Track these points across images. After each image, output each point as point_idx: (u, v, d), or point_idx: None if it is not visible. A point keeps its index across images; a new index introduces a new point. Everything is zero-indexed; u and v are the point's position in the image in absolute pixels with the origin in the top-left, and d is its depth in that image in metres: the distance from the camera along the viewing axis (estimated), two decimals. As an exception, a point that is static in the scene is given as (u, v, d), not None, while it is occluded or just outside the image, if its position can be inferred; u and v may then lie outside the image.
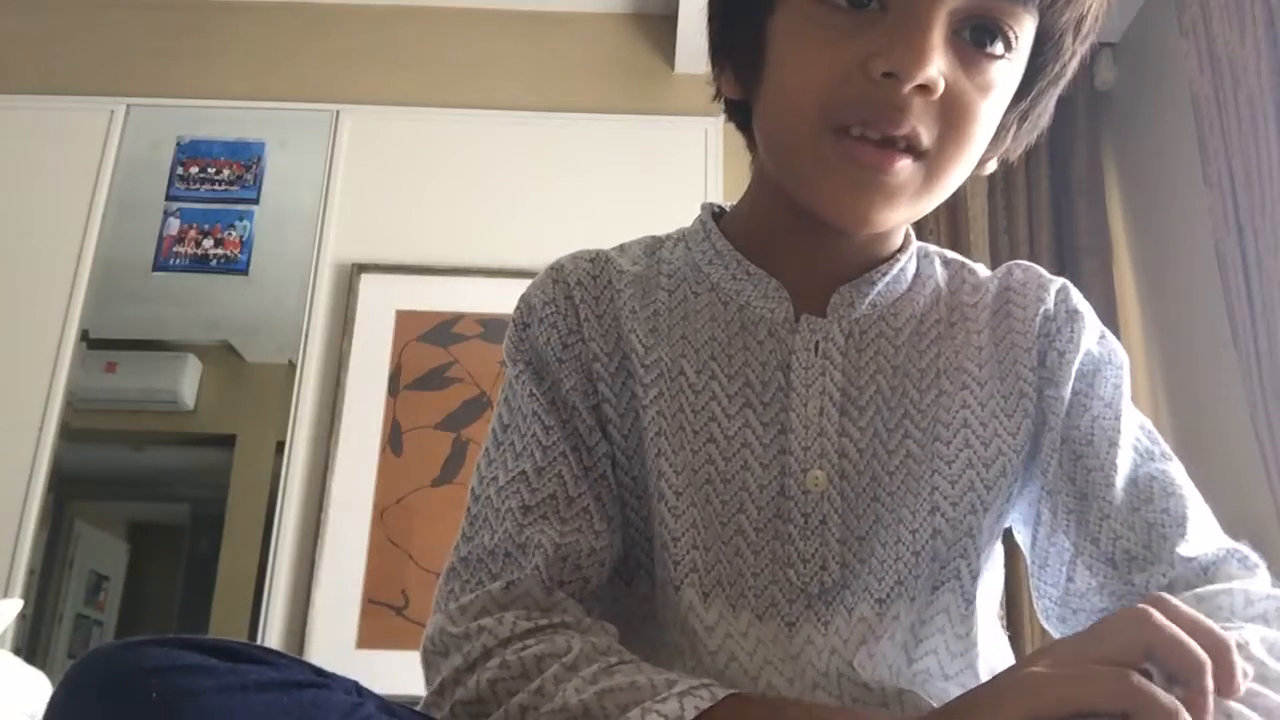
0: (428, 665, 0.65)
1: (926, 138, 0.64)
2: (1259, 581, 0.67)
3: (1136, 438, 0.74)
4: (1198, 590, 0.64)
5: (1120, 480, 0.71)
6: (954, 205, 2.61)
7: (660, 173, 2.61)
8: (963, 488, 0.71)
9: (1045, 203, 2.62)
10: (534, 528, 0.68)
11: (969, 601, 0.71)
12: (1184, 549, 0.68)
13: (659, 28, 2.83)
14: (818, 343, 0.73)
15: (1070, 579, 0.71)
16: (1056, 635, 0.73)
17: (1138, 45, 2.63)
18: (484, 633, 0.63)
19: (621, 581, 0.74)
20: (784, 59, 0.67)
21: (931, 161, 0.66)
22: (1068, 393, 0.73)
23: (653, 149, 2.66)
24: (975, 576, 0.72)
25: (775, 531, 0.70)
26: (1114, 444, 0.72)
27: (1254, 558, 0.69)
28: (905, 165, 0.65)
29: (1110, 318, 2.53)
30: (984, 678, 0.71)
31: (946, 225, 2.61)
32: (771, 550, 0.70)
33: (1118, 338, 2.73)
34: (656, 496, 0.71)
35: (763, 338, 0.74)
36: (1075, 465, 0.72)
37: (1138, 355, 2.54)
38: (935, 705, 0.69)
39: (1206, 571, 0.67)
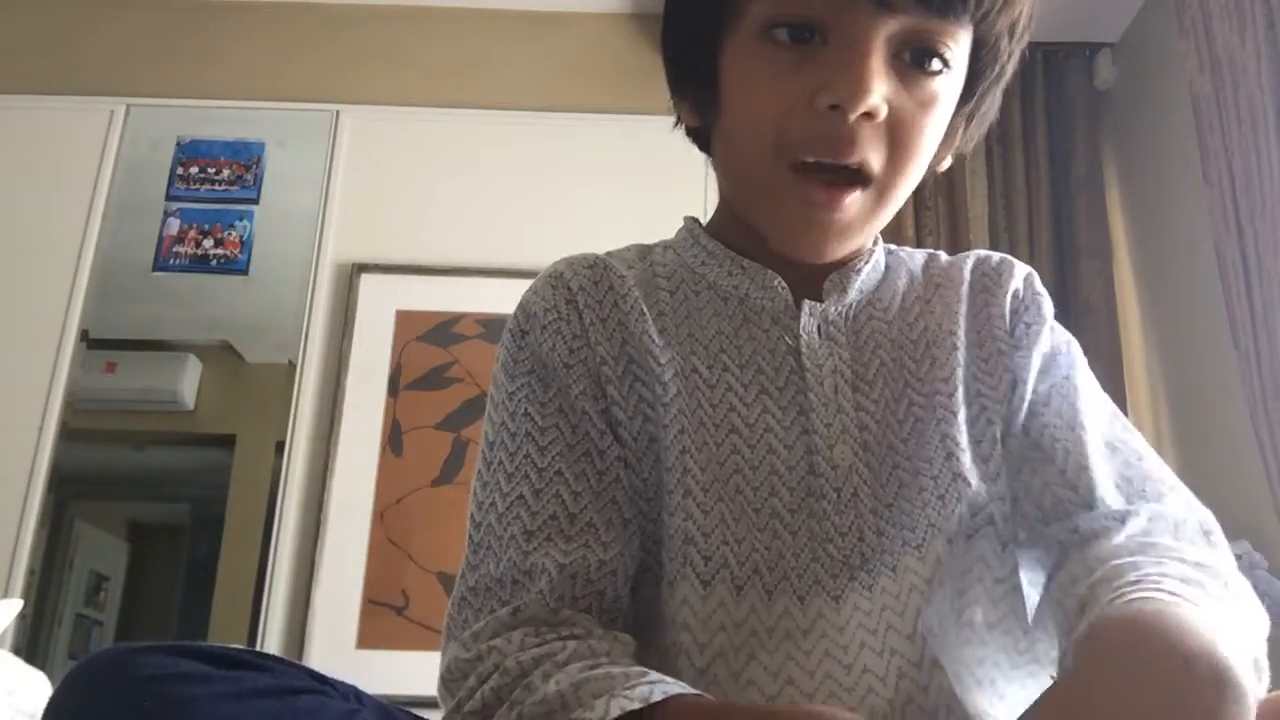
0: (448, 691, 0.67)
1: (876, 163, 0.69)
2: (1202, 550, 0.67)
3: (1099, 411, 0.78)
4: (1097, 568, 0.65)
5: (1071, 441, 0.74)
6: (954, 205, 2.61)
7: (660, 173, 2.61)
8: (968, 437, 0.74)
9: (1045, 203, 2.62)
10: (538, 552, 0.68)
11: (1004, 544, 0.74)
12: (1113, 501, 0.71)
13: (659, 28, 2.83)
14: (820, 325, 0.76)
15: (1026, 525, 0.75)
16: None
17: (1138, 45, 2.63)
18: (494, 652, 0.64)
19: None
20: (736, 96, 0.72)
21: (880, 185, 0.70)
22: (1035, 361, 0.78)
23: (653, 149, 2.64)
24: (1007, 519, 0.74)
25: (810, 510, 0.71)
26: (1074, 409, 0.76)
27: (1216, 533, 0.70)
28: (855, 199, 0.70)
29: (1110, 318, 2.53)
30: (1029, 625, 0.73)
31: (946, 225, 2.61)
32: (809, 529, 0.71)
33: (1118, 338, 2.70)
34: (681, 493, 0.71)
35: (767, 326, 0.77)
36: (1032, 422, 0.76)
37: (1138, 355, 2.54)
38: (968, 677, 0.70)
39: (1124, 520, 0.69)
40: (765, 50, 0.69)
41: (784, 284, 0.77)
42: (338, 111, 2.71)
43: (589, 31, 2.84)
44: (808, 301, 0.76)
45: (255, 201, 2.65)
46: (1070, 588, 0.65)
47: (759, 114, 0.69)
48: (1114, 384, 2.46)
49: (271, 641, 2.25)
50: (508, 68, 2.79)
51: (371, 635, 2.26)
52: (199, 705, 0.51)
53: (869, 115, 0.66)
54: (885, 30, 0.66)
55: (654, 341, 0.75)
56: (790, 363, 0.75)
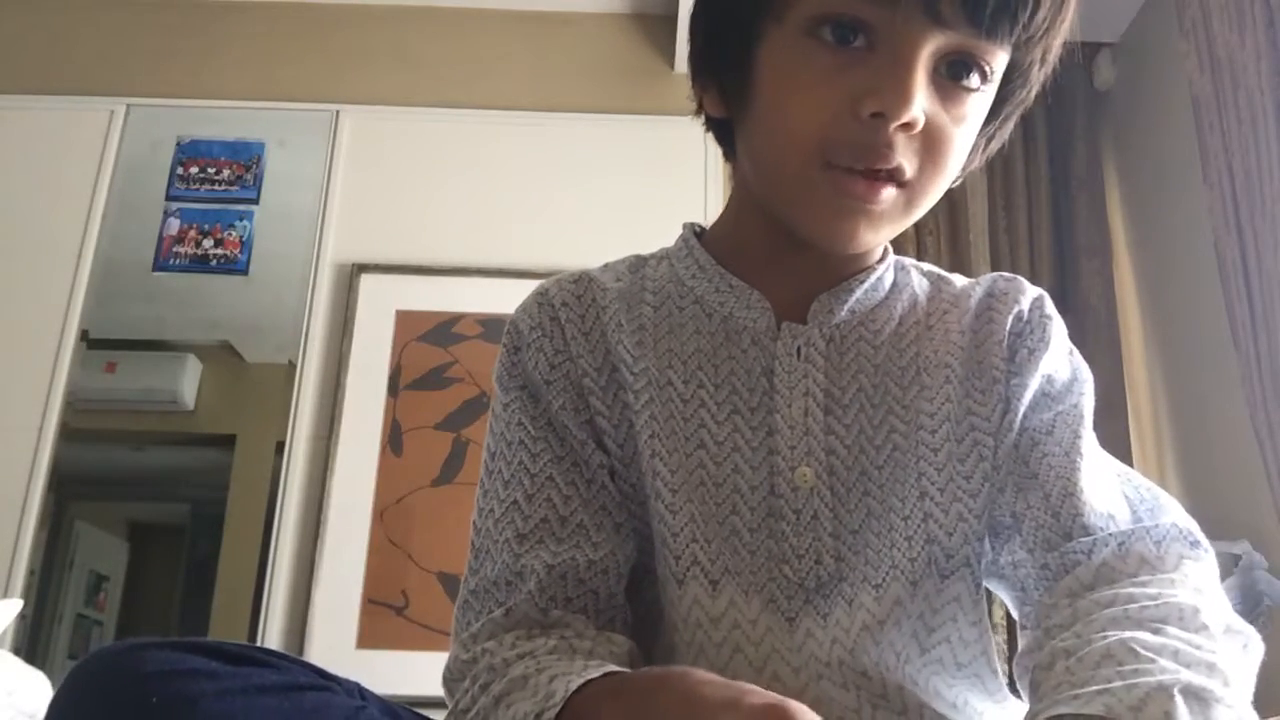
0: (448, 692, 0.69)
1: (909, 170, 0.68)
2: (1190, 570, 0.67)
3: (1098, 448, 0.76)
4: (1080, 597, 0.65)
5: (1074, 471, 0.72)
6: (954, 205, 2.61)
7: (660, 173, 2.61)
8: (948, 475, 0.74)
9: (1045, 202, 2.62)
10: (530, 554, 0.71)
11: (979, 587, 0.74)
12: (1093, 520, 0.70)
13: (659, 28, 2.83)
14: (799, 348, 0.76)
15: (1002, 549, 0.73)
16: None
17: (1138, 45, 2.63)
18: (487, 654, 0.66)
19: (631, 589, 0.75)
20: (775, 94, 0.70)
21: (912, 189, 0.70)
22: (1032, 383, 0.76)
23: (652, 149, 2.66)
24: (981, 561, 0.74)
25: (769, 530, 0.72)
26: (1076, 439, 0.74)
27: (1203, 541, 0.70)
28: (889, 194, 0.69)
29: (1110, 318, 2.53)
30: (996, 667, 0.74)
31: (946, 225, 2.61)
32: (767, 548, 0.72)
33: (1118, 338, 2.69)
34: (654, 496, 0.73)
35: (746, 346, 0.77)
36: (1032, 451, 0.74)
37: (1138, 355, 2.54)
38: (940, 702, 0.70)
39: (1090, 553, 0.68)
40: (808, 48, 0.68)
41: (767, 304, 0.77)
42: (338, 111, 2.71)
43: (589, 31, 2.84)
44: (787, 323, 0.76)
45: (255, 201, 2.66)
46: (1032, 653, 0.64)
47: (801, 119, 0.68)
48: (1114, 384, 2.46)
49: (271, 641, 2.25)
50: (508, 68, 2.79)
51: (371, 635, 2.26)
52: (205, 701, 0.51)
53: (908, 126, 0.66)
54: (933, 44, 0.66)
55: (628, 352, 0.77)
56: (764, 383, 0.76)
